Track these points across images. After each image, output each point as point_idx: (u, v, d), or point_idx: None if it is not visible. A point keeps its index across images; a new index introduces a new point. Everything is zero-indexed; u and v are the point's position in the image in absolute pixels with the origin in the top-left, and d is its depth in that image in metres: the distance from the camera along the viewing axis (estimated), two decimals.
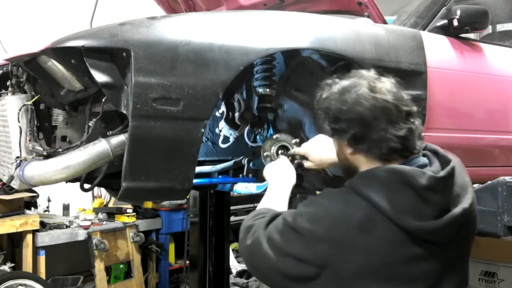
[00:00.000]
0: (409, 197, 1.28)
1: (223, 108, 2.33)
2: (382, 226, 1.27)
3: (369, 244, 1.27)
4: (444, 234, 1.31)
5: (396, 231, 1.27)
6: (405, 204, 1.28)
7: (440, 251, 1.33)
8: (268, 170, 1.86)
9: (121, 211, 4.47)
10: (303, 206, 1.41)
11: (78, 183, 1.96)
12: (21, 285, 3.53)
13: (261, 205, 1.63)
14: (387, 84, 1.39)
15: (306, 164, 1.93)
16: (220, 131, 2.38)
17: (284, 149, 2.09)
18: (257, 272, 1.45)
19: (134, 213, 4.53)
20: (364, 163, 1.41)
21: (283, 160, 1.93)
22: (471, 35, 2.88)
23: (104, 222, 4.40)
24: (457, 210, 1.32)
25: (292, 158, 2.00)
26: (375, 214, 1.28)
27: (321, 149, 1.86)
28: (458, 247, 1.40)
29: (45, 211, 4.28)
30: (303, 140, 2.16)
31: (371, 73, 1.43)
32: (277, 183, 1.77)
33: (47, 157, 1.90)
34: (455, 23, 2.48)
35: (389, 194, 1.28)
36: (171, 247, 4.93)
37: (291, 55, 2.22)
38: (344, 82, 1.42)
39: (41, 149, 1.93)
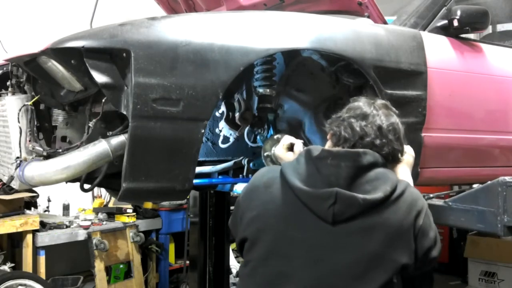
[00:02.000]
0: (306, 166, 1.50)
1: (223, 108, 2.33)
2: (279, 185, 1.51)
3: (265, 197, 1.52)
4: (324, 206, 1.41)
5: (288, 191, 1.47)
6: (300, 170, 1.50)
7: (329, 231, 1.42)
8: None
9: (121, 211, 4.46)
10: None
11: (78, 183, 1.95)
12: (21, 285, 3.53)
13: None
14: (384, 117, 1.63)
15: None
16: (220, 131, 2.38)
17: None
18: None
19: (134, 213, 4.53)
20: None
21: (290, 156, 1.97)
22: (471, 35, 2.88)
23: (104, 222, 4.39)
24: (343, 190, 1.41)
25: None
26: (279, 176, 1.52)
27: None
28: (355, 240, 1.42)
29: (45, 211, 4.27)
30: (303, 140, 2.16)
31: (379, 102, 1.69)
32: None
33: (47, 157, 1.90)
34: (455, 23, 2.48)
35: (296, 164, 1.53)
36: (171, 247, 4.93)
37: (291, 55, 2.23)
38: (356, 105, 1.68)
39: (41, 149, 1.93)
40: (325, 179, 1.45)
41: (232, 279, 4.81)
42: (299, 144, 1.94)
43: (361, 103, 1.63)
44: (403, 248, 1.43)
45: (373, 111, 1.60)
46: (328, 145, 1.62)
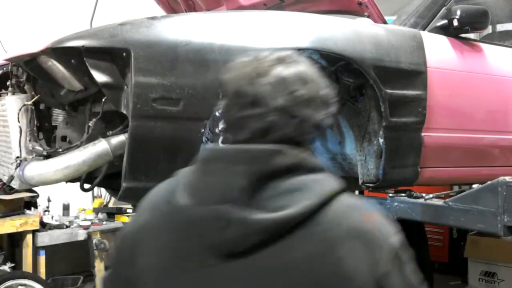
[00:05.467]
0: (193, 173, 1.00)
1: None
2: (162, 203, 1.02)
3: (145, 223, 1.04)
4: (213, 232, 0.91)
5: (170, 212, 0.99)
6: (185, 179, 1.01)
7: (213, 271, 0.92)
8: None
9: (121, 211, 4.46)
10: None
11: (78, 183, 1.95)
12: (21, 285, 3.52)
13: None
14: (283, 71, 1.00)
15: None
16: (220, 131, 2.38)
17: None
18: None
19: (134, 213, 4.53)
20: None
21: None
22: (471, 35, 2.88)
23: (104, 222, 4.39)
24: (239, 211, 0.90)
25: None
26: (168, 192, 1.04)
27: None
28: (252, 281, 0.90)
29: (45, 211, 4.27)
30: None
31: (285, 54, 1.04)
32: None
33: (47, 157, 1.90)
34: (455, 23, 2.48)
35: (189, 170, 1.03)
36: None
37: None
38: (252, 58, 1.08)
39: (41, 149, 1.93)
40: (214, 191, 0.94)
41: None
42: None
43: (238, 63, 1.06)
44: None
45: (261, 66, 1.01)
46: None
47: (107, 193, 4.69)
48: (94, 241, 4.11)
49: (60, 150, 1.90)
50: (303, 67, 1.03)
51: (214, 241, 0.91)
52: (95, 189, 4.01)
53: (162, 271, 0.97)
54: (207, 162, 0.99)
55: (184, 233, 0.95)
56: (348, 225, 0.92)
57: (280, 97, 0.96)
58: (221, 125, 1.07)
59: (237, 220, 0.90)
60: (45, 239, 3.95)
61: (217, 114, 2.35)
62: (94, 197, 4.95)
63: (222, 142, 1.08)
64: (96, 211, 4.57)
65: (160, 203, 1.03)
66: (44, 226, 4.04)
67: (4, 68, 2.21)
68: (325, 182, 0.96)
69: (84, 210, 4.69)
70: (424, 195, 2.39)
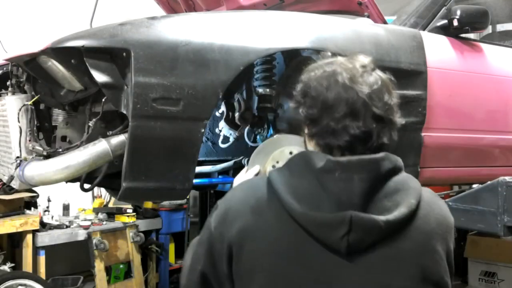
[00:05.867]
0: (307, 182, 1.12)
1: (223, 108, 2.33)
2: (273, 209, 1.12)
3: (257, 226, 1.12)
4: (336, 235, 1.06)
5: (287, 217, 1.10)
6: (300, 189, 1.12)
7: (341, 262, 1.08)
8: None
9: (121, 211, 4.46)
10: None
11: (78, 183, 1.95)
12: (21, 285, 3.52)
13: None
14: (371, 79, 1.18)
15: None
16: (220, 131, 2.38)
17: None
18: None
19: (134, 213, 4.53)
20: (309, 149, 1.24)
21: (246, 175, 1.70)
22: (471, 35, 2.88)
23: (104, 222, 4.39)
24: (360, 214, 1.06)
25: None
26: (272, 197, 1.14)
27: None
28: (372, 269, 1.08)
29: (45, 211, 4.27)
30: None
31: (365, 60, 1.22)
32: None
33: (47, 157, 1.90)
34: (455, 23, 2.48)
35: (289, 178, 1.14)
36: (171, 247, 4.93)
37: (291, 55, 2.22)
38: (332, 59, 1.25)
39: (41, 149, 1.93)
40: (333, 198, 1.09)
41: None
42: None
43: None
44: (434, 282, 1.12)
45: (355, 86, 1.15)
46: (311, 146, 1.23)
47: (107, 193, 4.70)
48: (94, 241, 4.11)
49: (60, 150, 1.90)
50: (379, 72, 1.21)
51: (336, 242, 1.07)
52: (95, 189, 4.01)
53: (277, 269, 1.10)
54: (326, 172, 1.11)
55: (301, 235, 1.09)
56: (434, 217, 1.15)
57: (375, 106, 1.14)
58: (312, 130, 1.19)
59: (360, 225, 1.06)
60: (45, 239, 3.95)
61: (217, 114, 2.36)
62: (94, 197, 4.95)
63: (319, 148, 1.19)
64: (96, 211, 4.57)
65: (263, 208, 1.14)
66: (44, 226, 4.04)
67: (4, 68, 2.21)
68: (412, 180, 1.17)
69: (84, 210, 4.69)
70: None
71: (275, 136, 2.07)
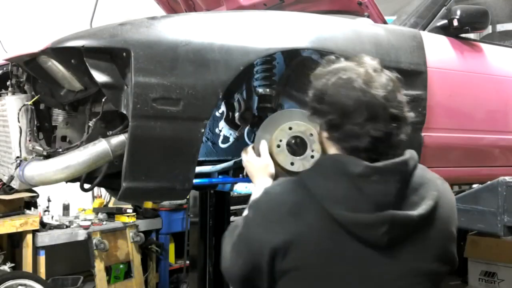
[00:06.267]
0: (344, 186, 1.22)
1: (223, 108, 2.33)
2: (313, 211, 1.22)
3: (298, 228, 1.22)
4: (378, 233, 1.19)
5: (327, 219, 1.21)
6: (338, 192, 1.22)
7: (380, 255, 1.21)
8: (246, 169, 1.89)
9: (121, 211, 4.46)
10: (257, 196, 1.38)
11: (78, 183, 1.95)
12: (21, 285, 3.53)
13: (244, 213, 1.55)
14: (383, 81, 1.26)
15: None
16: (220, 131, 2.38)
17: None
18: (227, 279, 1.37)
19: (134, 213, 4.53)
20: (331, 151, 1.32)
21: (252, 156, 1.89)
22: (471, 35, 2.88)
23: (104, 222, 4.39)
24: (398, 212, 1.20)
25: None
26: (309, 200, 1.23)
27: None
28: (407, 258, 1.24)
29: (45, 211, 4.28)
30: None
31: (373, 63, 1.31)
32: (257, 183, 1.78)
33: (47, 157, 1.90)
34: (455, 23, 2.48)
35: (325, 181, 1.24)
36: (171, 247, 4.93)
37: (291, 55, 2.22)
38: (342, 64, 1.32)
39: (41, 149, 1.93)
40: (370, 200, 1.20)
41: None
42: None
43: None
44: (449, 259, 1.31)
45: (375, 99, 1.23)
46: (334, 149, 1.31)
47: (107, 193, 4.70)
48: (94, 241, 4.11)
49: (60, 150, 1.90)
50: (387, 72, 1.29)
51: (377, 239, 1.19)
52: (95, 189, 4.01)
53: (323, 268, 1.21)
54: (363, 177, 1.21)
55: (342, 235, 1.20)
56: (447, 203, 1.32)
57: (392, 107, 1.24)
58: (334, 135, 1.28)
59: (398, 222, 1.19)
60: (45, 239, 3.95)
61: (217, 114, 2.36)
62: (94, 197, 4.95)
63: (345, 151, 1.27)
64: (96, 211, 4.58)
65: (302, 211, 1.23)
66: (44, 226, 4.04)
67: (4, 68, 2.21)
68: (427, 171, 1.32)
69: (84, 210, 4.69)
70: None
71: (275, 113, 2.08)
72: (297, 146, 1.99)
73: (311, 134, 1.98)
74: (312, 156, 1.98)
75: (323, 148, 1.37)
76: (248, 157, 1.88)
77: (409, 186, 1.25)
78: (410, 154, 1.27)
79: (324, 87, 1.29)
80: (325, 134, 1.32)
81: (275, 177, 1.81)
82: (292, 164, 1.96)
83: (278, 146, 1.96)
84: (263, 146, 1.90)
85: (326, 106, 1.28)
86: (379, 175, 1.21)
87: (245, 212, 1.38)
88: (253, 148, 1.94)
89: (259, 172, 1.82)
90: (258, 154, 1.89)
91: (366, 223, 1.19)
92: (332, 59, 1.36)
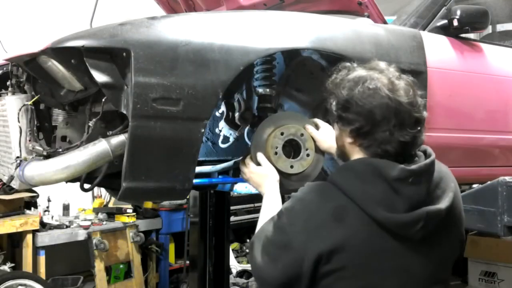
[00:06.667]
0: (381, 188, 1.30)
1: (223, 108, 2.33)
2: (354, 214, 1.30)
3: (343, 232, 1.29)
4: (415, 229, 1.30)
5: (368, 220, 1.29)
6: (376, 195, 1.30)
7: (413, 248, 1.34)
8: (251, 181, 1.90)
9: (121, 211, 4.46)
10: (286, 203, 1.44)
11: (78, 183, 1.95)
12: (21, 285, 3.53)
13: (261, 218, 1.60)
14: (404, 86, 1.36)
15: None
16: (220, 131, 2.38)
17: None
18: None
19: (134, 213, 4.53)
20: (357, 155, 1.40)
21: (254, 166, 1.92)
22: (471, 35, 2.88)
23: (104, 222, 4.39)
24: (431, 208, 1.32)
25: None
26: (348, 203, 1.30)
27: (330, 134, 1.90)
28: (434, 246, 1.38)
29: (45, 211, 4.28)
30: None
31: (391, 69, 1.40)
32: (266, 190, 1.80)
33: (47, 157, 1.90)
34: (455, 23, 2.48)
35: (362, 185, 1.31)
36: (171, 247, 4.93)
37: (291, 55, 2.22)
38: (362, 72, 1.39)
39: (41, 149, 1.93)
40: (406, 200, 1.30)
41: (232, 279, 4.82)
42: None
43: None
44: (463, 242, 1.49)
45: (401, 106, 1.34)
46: (360, 154, 1.40)
47: (107, 193, 4.70)
48: (94, 241, 4.11)
49: (60, 150, 1.90)
50: (404, 76, 1.40)
51: (413, 234, 1.30)
52: (95, 189, 4.01)
53: (368, 267, 1.30)
54: (400, 179, 1.30)
55: (381, 234, 1.30)
56: (456, 191, 1.43)
57: (415, 112, 1.35)
58: (364, 142, 1.37)
59: (432, 217, 1.31)
60: (45, 239, 3.96)
61: (217, 114, 2.35)
62: (94, 197, 4.95)
63: (376, 155, 1.36)
64: (96, 211, 4.58)
65: (342, 215, 1.30)
66: (44, 226, 4.04)
67: (4, 68, 2.21)
68: (440, 164, 1.43)
69: (84, 210, 4.69)
70: None
71: (265, 120, 2.07)
72: (292, 148, 2.01)
73: (302, 134, 2.00)
74: (308, 155, 2.00)
75: (344, 152, 1.45)
76: (251, 169, 1.90)
77: (433, 182, 1.36)
78: (430, 150, 1.40)
79: (350, 96, 1.35)
80: (348, 140, 1.40)
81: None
82: (291, 167, 1.98)
83: (276, 153, 1.97)
84: (261, 157, 1.91)
85: (353, 115, 1.35)
86: (415, 177, 1.30)
87: (272, 218, 1.42)
88: (250, 158, 1.94)
89: (266, 179, 1.84)
90: (257, 164, 1.91)
91: (405, 222, 1.29)
92: (348, 66, 1.44)
